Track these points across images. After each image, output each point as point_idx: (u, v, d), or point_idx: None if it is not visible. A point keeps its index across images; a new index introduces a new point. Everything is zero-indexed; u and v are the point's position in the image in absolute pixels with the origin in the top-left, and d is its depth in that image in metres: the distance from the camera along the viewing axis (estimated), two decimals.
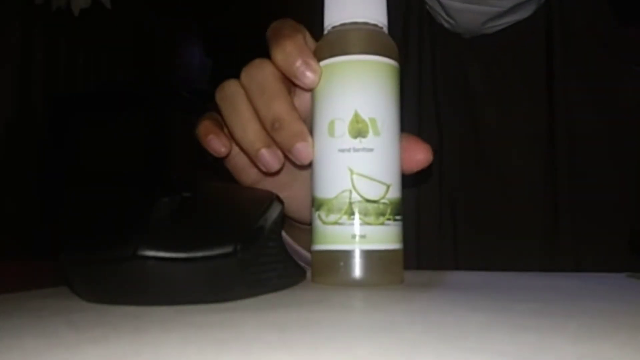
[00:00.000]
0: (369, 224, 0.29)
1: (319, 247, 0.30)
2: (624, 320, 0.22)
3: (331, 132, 0.31)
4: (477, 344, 0.18)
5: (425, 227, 0.57)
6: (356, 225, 0.29)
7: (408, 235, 0.33)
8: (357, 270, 0.29)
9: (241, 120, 0.34)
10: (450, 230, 0.57)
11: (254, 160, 0.34)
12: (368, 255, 0.29)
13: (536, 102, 0.57)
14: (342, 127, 0.30)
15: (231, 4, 2.18)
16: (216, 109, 0.36)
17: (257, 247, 0.28)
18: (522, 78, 0.57)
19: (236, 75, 0.36)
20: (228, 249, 0.26)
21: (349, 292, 0.29)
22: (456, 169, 0.58)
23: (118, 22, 2.21)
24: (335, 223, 0.29)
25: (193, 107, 1.81)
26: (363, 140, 0.30)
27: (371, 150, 0.30)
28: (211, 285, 0.26)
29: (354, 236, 0.29)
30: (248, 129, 0.33)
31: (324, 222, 0.30)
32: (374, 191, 0.29)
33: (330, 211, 0.29)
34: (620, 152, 0.55)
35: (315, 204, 0.31)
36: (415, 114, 0.57)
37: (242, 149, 0.35)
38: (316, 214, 0.30)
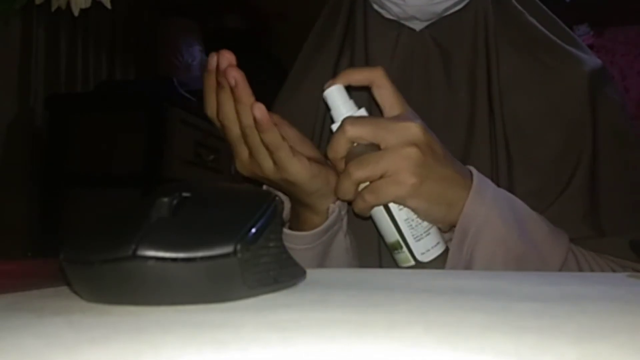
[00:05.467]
0: None
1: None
2: (624, 320, 0.22)
3: None
4: (477, 344, 0.18)
5: None
6: None
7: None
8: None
9: None
10: None
11: None
12: None
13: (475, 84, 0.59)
14: None
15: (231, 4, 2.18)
16: None
17: (257, 247, 0.28)
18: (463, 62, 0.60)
19: None
20: (228, 249, 0.26)
21: (349, 292, 0.29)
22: None
23: (118, 22, 2.21)
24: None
25: (193, 107, 1.81)
26: None
27: None
28: (211, 285, 0.26)
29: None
30: None
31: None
32: None
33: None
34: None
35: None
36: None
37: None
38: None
